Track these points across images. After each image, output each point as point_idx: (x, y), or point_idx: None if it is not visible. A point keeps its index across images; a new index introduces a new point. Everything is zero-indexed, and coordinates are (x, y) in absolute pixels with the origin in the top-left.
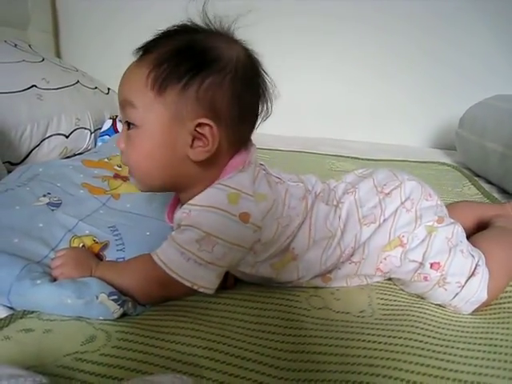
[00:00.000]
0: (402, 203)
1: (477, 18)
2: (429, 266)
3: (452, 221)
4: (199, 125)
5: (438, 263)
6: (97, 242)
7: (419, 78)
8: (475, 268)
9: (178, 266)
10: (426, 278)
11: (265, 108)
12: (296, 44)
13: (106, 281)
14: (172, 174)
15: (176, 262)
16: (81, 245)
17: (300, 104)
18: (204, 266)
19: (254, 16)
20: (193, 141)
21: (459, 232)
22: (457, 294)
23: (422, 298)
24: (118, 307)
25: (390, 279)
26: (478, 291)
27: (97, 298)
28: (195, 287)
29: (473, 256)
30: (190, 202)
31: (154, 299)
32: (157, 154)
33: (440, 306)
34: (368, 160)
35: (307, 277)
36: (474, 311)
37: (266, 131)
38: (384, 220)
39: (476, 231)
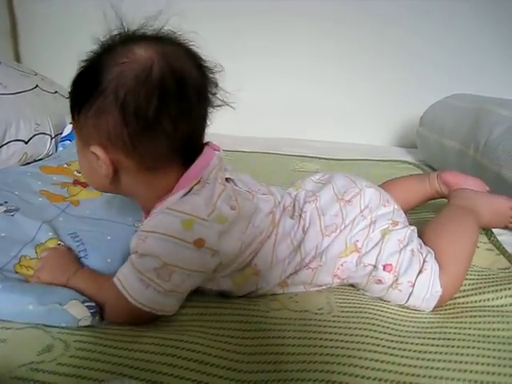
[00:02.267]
0: (361, 211)
1: (436, 20)
2: (382, 268)
3: (406, 224)
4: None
5: (391, 265)
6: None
7: (381, 78)
8: (423, 264)
9: (138, 293)
10: (380, 281)
11: (192, 109)
12: (256, 43)
13: (78, 291)
14: (112, 188)
15: (136, 290)
16: (58, 243)
17: (261, 104)
18: (163, 294)
19: (213, 16)
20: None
21: (411, 233)
22: (410, 293)
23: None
24: (89, 315)
25: (351, 285)
26: (429, 286)
27: (60, 304)
28: (153, 312)
29: (421, 253)
30: (144, 227)
31: (121, 319)
32: (88, 174)
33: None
34: (331, 160)
35: (267, 288)
36: (435, 307)
37: (227, 132)
38: (344, 227)
39: (406, 205)
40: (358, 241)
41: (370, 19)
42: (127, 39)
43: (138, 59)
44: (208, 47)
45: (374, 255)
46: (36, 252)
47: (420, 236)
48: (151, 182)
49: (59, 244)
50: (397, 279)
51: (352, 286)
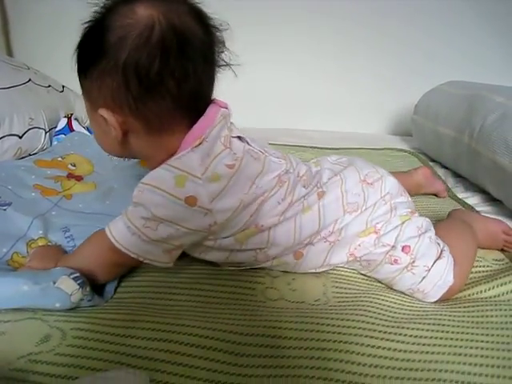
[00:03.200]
0: (383, 197)
1: (429, 9)
2: (400, 248)
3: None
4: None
5: (409, 246)
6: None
7: (376, 66)
8: (441, 252)
9: (124, 239)
10: (396, 261)
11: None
12: (252, 36)
13: (68, 267)
14: (122, 151)
15: (122, 235)
16: (49, 243)
17: (257, 95)
18: (147, 242)
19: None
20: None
21: (428, 223)
22: (424, 277)
23: (389, 287)
24: (78, 287)
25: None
26: (444, 274)
27: (54, 283)
28: (141, 259)
29: (438, 244)
30: (143, 179)
31: (111, 269)
32: (99, 137)
33: (406, 294)
34: (327, 149)
35: (278, 249)
36: (440, 299)
37: None
38: (364, 209)
39: None
40: (378, 223)
41: (364, 10)
42: None
43: (139, 19)
44: None
45: (393, 236)
46: (27, 249)
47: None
48: (159, 143)
49: (48, 243)
50: (413, 261)
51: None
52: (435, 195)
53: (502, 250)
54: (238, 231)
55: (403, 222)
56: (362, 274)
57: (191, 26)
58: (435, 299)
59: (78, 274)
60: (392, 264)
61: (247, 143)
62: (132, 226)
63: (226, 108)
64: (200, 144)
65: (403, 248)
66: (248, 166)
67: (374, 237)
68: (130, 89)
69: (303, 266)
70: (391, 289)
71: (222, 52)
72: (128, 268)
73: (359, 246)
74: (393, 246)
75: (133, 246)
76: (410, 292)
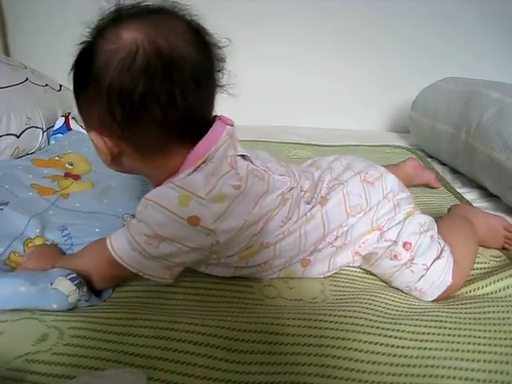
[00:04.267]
0: (385, 196)
1: (427, 5)
2: (401, 244)
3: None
4: None
5: (410, 243)
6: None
7: (373, 63)
8: (441, 252)
9: (124, 253)
10: (396, 257)
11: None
12: (248, 33)
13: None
14: (119, 169)
15: (123, 249)
16: (46, 242)
17: (254, 93)
18: (148, 258)
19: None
20: None
21: (430, 221)
22: (422, 276)
23: (387, 284)
24: (75, 288)
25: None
26: (443, 273)
27: (51, 284)
28: (140, 274)
29: (439, 243)
30: (148, 195)
31: (108, 280)
32: (98, 155)
33: (403, 292)
34: (324, 146)
35: (284, 259)
36: (438, 297)
37: None
38: (368, 209)
39: None
40: (382, 222)
41: (362, 7)
42: (119, 17)
43: (123, 43)
44: None
45: (395, 232)
46: (24, 248)
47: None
48: (154, 164)
49: (45, 243)
50: (413, 259)
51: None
52: (428, 186)
53: (503, 248)
54: (242, 250)
55: (406, 218)
56: (360, 273)
57: (181, 47)
58: (432, 298)
59: (74, 275)
60: (392, 259)
61: (251, 162)
62: (133, 241)
63: (232, 125)
64: (204, 163)
65: (404, 244)
66: (253, 186)
67: (378, 233)
68: (115, 115)
69: (311, 273)
70: (389, 287)
71: (220, 71)
72: (125, 280)
73: (363, 243)
74: (394, 242)
75: (133, 261)
76: (408, 290)
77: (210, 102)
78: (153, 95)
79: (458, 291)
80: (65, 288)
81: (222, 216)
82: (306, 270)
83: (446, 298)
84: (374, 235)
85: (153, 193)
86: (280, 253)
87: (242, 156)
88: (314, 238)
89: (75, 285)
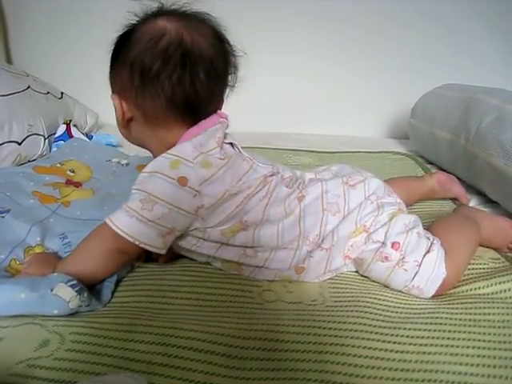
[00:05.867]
0: (368, 197)
1: (426, 11)
2: (390, 245)
3: (409, 213)
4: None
5: (398, 243)
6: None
7: (372, 70)
8: (430, 246)
9: (122, 222)
10: (386, 258)
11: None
12: (247, 40)
13: (67, 268)
14: (127, 135)
15: (121, 219)
16: (46, 250)
17: (254, 100)
18: (145, 224)
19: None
20: None
21: (415, 219)
22: (416, 272)
23: (386, 286)
24: (75, 294)
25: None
26: (435, 266)
27: (51, 290)
28: (136, 242)
29: (428, 238)
30: (144, 169)
31: (109, 259)
32: (116, 119)
33: (403, 292)
34: (324, 153)
35: (264, 249)
36: (436, 293)
37: None
38: (349, 211)
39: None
40: (366, 221)
41: (362, 12)
42: (160, 12)
43: (155, 27)
44: None
45: (382, 233)
46: (25, 256)
47: (427, 229)
48: (156, 135)
49: (45, 251)
50: (403, 257)
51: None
52: (455, 200)
53: (508, 249)
54: (224, 223)
55: (391, 219)
56: (358, 274)
57: (201, 44)
58: (431, 294)
59: (75, 282)
60: (383, 261)
61: (238, 150)
62: (130, 209)
63: (226, 119)
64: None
65: (393, 244)
66: (236, 164)
67: (365, 235)
68: (134, 81)
69: (307, 278)
70: (388, 287)
71: (232, 74)
72: (125, 260)
73: (351, 246)
74: (383, 243)
75: (130, 229)
76: (407, 290)
77: (216, 95)
78: (167, 73)
79: (456, 288)
80: (65, 294)
81: (208, 181)
82: (302, 276)
83: (444, 292)
84: (361, 237)
85: (148, 165)
86: (259, 239)
87: (231, 144)
88: (292, 235)
89: (76, 291)
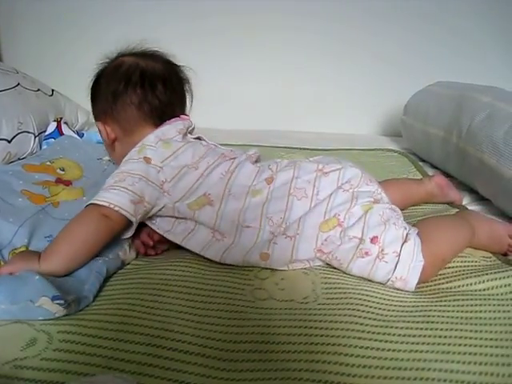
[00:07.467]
0: (340, 186)
1: (418, 8)
2: (369, 240)
3: (386, 202)
4: None
5: (376, 237)
6: None
7: (365, 67)
8: (407, 235)
9: (100, 195)
10: (367, 253)
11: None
12: (242, 39)
13: (58, 244)
14: (114, 156)
15: (99, 194)
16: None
17: (248, 97)
18: (118, 191)
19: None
20: None
21: (390, 210)
22: (397, 263)
23: (369, 280)
24: (62, 309)
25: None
26: (414, 254)
27: (32, 302)
28: (111, 206)
29: (405, 228)
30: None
31: (98, 224)
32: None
33: (388, 286)
34: (317, 150)
35: (224, 226)
36: (418, 284)
37: (212, 126)
38: (318, 199)
39: (402, 205)
40: (339, 214)
41: (354, 11)
42: (122, 53)
43: (117, 62)
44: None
45: (359, 228)
46: (8, 258)
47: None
48: (130, 142)
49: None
50: (382, 250)
51: (335, 268)
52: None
53: (504, 255)
54: (189, 196)
55: (366, 212)
56: None
57: (154, 65)
58: (415, 283)
59: (61, 301)
60: (363, 257)
61: (204, 140)
62: (107, 186)
63: (189, 120)
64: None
65: (372, 239)
66: (196, 146)
67: (339, 230)
68: (108, 101)
69: (274, 265)
70: (372, 282)
71: (185, 84)
72: (111, 225)
73: (325, 241)
74: (361, 239)
75: (107, 198)
76: (391, 284)
77: (177, 102)
78: (132, 87)
79: (447, 284)
80: (51, 308)
81: (168, 158)
82: (268, 263)
83: (425, 280)
84: (336, 232)
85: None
86: (222, 214)
87: (198, 138)
88: (256, 212)
89: (63, 307)
